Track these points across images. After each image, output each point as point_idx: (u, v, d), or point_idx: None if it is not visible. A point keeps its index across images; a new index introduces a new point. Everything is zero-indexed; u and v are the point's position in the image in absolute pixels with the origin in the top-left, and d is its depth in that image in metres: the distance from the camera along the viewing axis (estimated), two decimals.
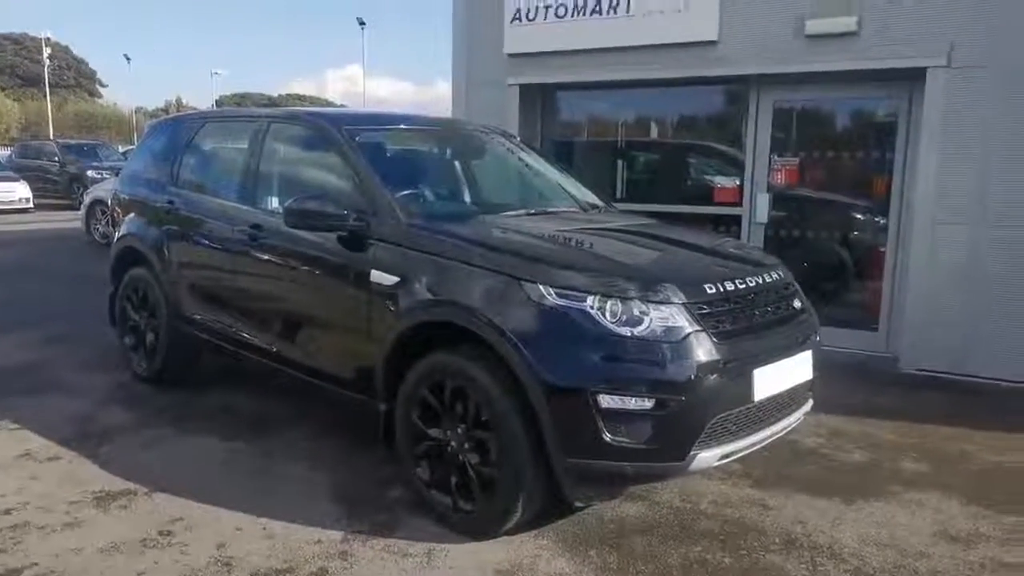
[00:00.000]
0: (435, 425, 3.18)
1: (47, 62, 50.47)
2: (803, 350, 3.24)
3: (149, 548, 2.97)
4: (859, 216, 6.28)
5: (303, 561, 2.90)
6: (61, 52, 61.28)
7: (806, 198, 6.31)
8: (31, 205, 18.05)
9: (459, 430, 3.09)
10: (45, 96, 49.38)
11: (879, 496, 3.55)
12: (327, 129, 3.91)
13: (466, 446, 3.07)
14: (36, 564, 2.85)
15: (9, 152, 24.22)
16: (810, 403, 3.43)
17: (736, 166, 6.49)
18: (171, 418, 4.37)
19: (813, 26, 5.65)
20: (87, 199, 12.52)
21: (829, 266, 6.31)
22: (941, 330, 5.47)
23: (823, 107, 6.39)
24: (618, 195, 7.05)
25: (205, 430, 4.20)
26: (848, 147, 6.15)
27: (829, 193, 6.29)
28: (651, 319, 2.80)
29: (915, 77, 5.51)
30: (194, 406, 4.59)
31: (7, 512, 3.24)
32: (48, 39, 50.88)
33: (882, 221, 6.00)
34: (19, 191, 17.93)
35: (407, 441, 3.29)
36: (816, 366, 3.33)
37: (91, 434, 4.11)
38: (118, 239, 5.26)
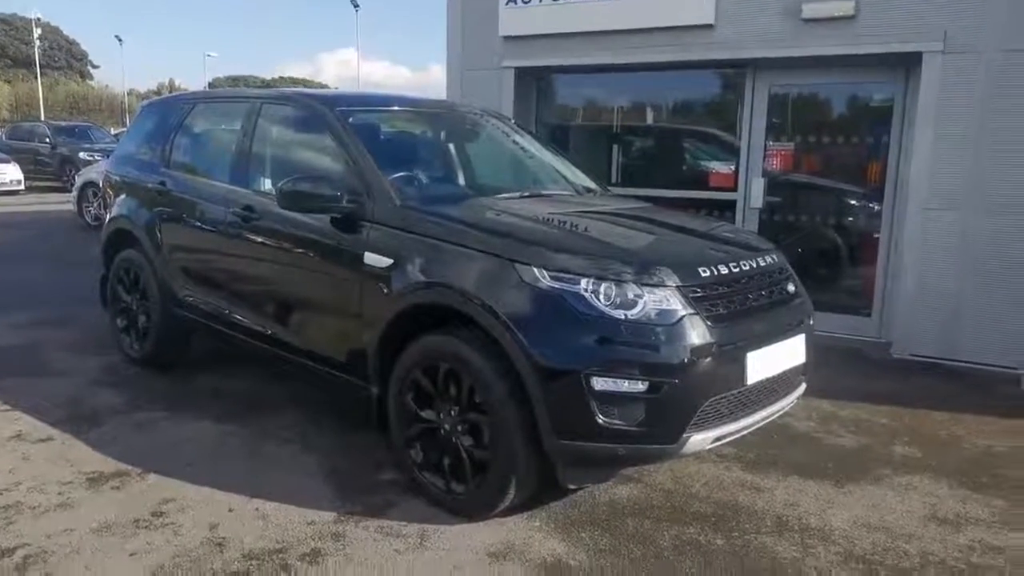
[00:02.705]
0: (428, 408, 3.18)
1: (37, 43, 49.93)
2: (796, 334, 3.25)
3: (142, 529, 2.97)
4: (853, 202, 6.27)
5: (296, 542, 2.91)
6: (52, 33, 60.59)
7: (801, 183, 6.30)
8: (22, 187, 17.91)
9: (452, 412, 3.09)
10: (36, 78, 48.87)
11: (870, 479, 3.58)
12: (320, 110, 3.88)
13: (459, 428, 3.07)
14: (28, 544, 2.84)
15: (0, 134, 23.99)
16: (803, 387, 3.43)
17: (731, 151, 6.47)
18: (163, 400, 4.36)
19: (810, 10, 5.62)
20: (79, 181, 12.46)
21: (823, 251, 6.31)
22: (933, 316, 5.49)
23: (819, 92, 6.36)
24: (613, 179, 7.03)
25: (197, 412, 4.19)
26: (843, 133, 6.13)
27: (824, 179, 6.28)
28: (645, 302, 2.79)
29: (911, 62, 5.50)
30: (186, 389, 4.58)
31: None
32: (38, 19, 50.31)
33: (876, 207, 6.00)
34: (10, 173, 17.77)
35: (400, 424, 3.29)
36: (809, 350, 3.33)
37: (83, 416, 4.10)
38: (109, 221, 5.22)
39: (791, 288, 3.39)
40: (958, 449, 3.97)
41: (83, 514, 3.07)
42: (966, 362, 5.38)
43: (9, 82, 51.94)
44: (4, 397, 4.32)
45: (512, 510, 3.09)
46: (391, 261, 3.26)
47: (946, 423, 4.31)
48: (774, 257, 3.40)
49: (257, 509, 3.14)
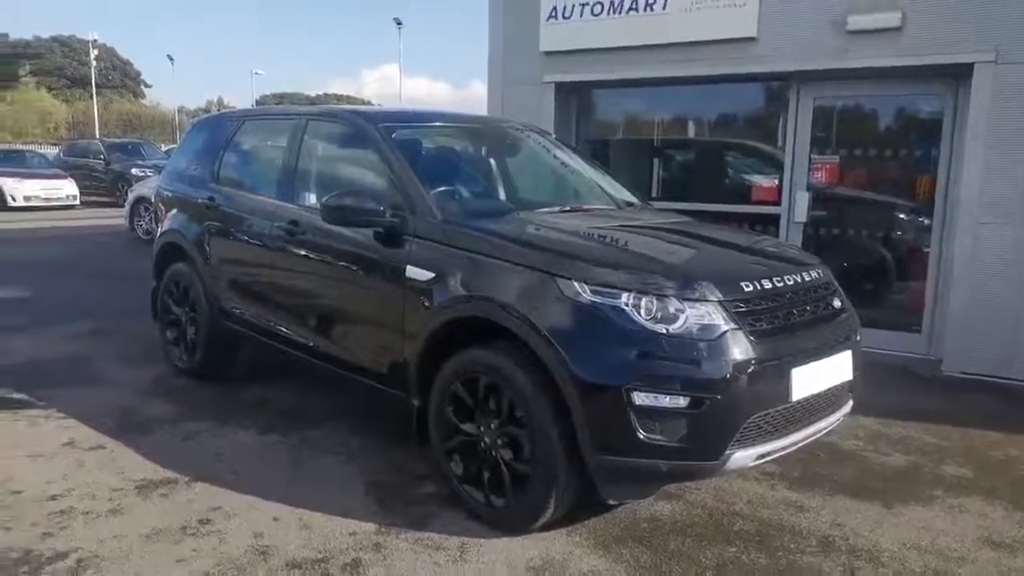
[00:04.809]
0: (468, 420, 3.20)
1: (94, 64, 51.65)
2: (843, 350, 3.19)
3: (189, 536, 3.04)
4: (901, 216, 6.15)
5: (337, 552, 2.94)
6: (107, 53, 62.68)
7: (847, 197, 6.20)
8: (78, 202, 18.54)
9: (492, 426, 3.10)
10: (92, 97, 50.56)
11: (920, 500, 3.48)
12: (364, 126, 3.95)
13: (499, 442, 3.08)
14: (80, 548, 2.92)
15: (57, 151, 24.86)
16: (850, 404, 3.37)
17: (774, 165, 6.40)
18: (210, 411, 4.45)
19: (855, 22, 5.54)
20: (131, 196, 12.83)
21: (870, 266, 6.19)
22: (985, 333, 5.33)
23: (865, 104, 6.26)
24: (654, 194, 7.01)
25: (243, 423, 4.27)
26: (890, 145, 6.02)
27: (870, 192, 6.17)
28: (687, 316, 2.78)
29: (961, 74, 5.39)
30: (232, 399, 4.67)
31: (53, 498, 3.33)
32: (95, 41, 52.04)
33: (925, 221, 5.87)
34: (67, 188, 18.43)
35: (440, 436, 3.31)
36: (856, 367, 3.27)
37: (133, 425, 4.21)
38: (160, 235, 5.37)
39: (837, 303, 3.33)
40: (1013, 470, 3.84)
41: (133, 520, 3.15)
42: (1021, 380, 5.21)
43: (67, 101, 53.85)
44: (58, 406, 4.46)
45: (552, 525, 3.08)
46: (433, 275, 3.30)
47: (1000, 443, 4.17)
48: (820, 272, 3.35)
49: (300, 519, 3.18)
